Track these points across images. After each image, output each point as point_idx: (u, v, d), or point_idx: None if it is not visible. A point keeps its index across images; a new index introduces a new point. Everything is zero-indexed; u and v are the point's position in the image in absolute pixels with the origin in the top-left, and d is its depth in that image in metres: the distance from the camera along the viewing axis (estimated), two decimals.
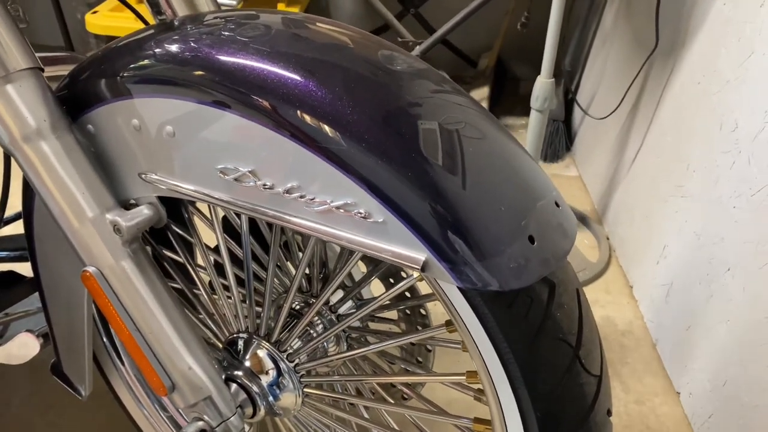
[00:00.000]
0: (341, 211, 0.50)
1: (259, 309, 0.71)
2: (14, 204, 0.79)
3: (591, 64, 2.05)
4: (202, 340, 0.64)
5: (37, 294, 1.15)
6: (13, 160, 0.61)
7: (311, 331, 0.75)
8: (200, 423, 0.63)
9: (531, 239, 0.48)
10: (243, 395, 0.68)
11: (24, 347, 0.98)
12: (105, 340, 0.89)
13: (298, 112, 0.49)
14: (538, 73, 1.45)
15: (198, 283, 0.71)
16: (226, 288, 0.70)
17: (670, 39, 1.42)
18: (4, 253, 1.13)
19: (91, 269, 0.60)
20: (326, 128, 0.49)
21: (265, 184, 0.53)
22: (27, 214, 0.74)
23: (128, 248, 0.61)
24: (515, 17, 2.11)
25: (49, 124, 0.59)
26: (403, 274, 0.83)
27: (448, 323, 0.60)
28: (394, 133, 0.48)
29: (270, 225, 0.77)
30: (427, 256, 0.47)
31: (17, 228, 0.99)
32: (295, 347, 0.71)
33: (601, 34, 1.98)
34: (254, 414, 0.68)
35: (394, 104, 0.50)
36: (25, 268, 1.11)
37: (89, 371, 0.84)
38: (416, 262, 0.47)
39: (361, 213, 0.49)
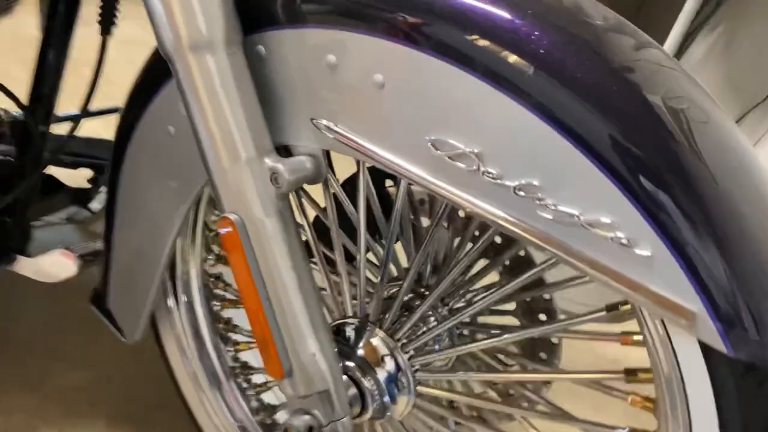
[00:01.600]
0: (592, 229, 0.40)
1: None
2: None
3: None
4: (329, 326, 0.55)
5: (72, 207, 1.04)
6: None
7: (421, 324, 0.65)
8: (307, 417, 0.54)
9: None
10: (353, 390, 0.58)
11: (57, 266, 0.86)
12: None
13: (566, 88, 0.39)
14: None
15: (318, 260, 0.60)
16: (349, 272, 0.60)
17: None
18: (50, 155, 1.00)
19: (233, 216, 0.50)
20: (601, 121, 0.39)
21: (488, 172, 0.43)
22: (129, 123, 0.63)
23: (280, 204, 0.51)
24: None
25: (224, 36, 0.48)
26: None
27: (630, 372, 0.51)
28: (682, 136, 0.39)
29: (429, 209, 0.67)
30: (698, 308, 0.39)
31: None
32: (408, 340, 0.62)
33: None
34: (360, 414, 0.59)
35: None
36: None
37: (146, 317, 0.74)
38: (686, 315, 0.38)
39: (621, 238, 0.40)
